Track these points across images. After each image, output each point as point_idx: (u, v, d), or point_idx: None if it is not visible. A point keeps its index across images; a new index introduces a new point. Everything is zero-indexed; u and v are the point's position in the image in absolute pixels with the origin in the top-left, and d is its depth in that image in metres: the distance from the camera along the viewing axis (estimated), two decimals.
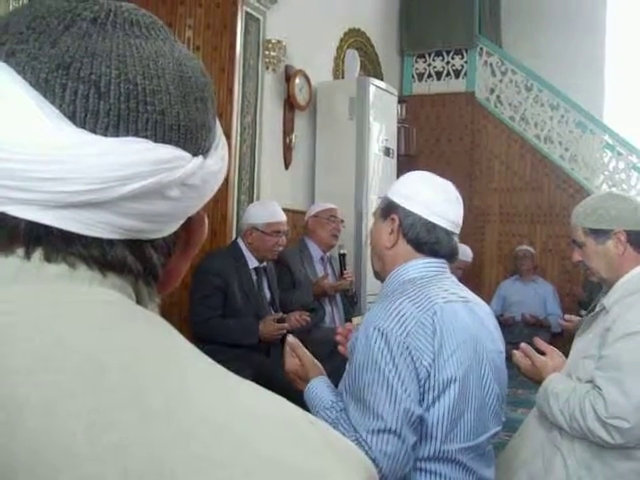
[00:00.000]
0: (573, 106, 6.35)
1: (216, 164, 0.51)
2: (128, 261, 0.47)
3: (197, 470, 0.36)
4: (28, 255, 0.44)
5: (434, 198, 1.59)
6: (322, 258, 4.16)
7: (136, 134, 0.45)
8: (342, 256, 4.17)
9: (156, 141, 0.46)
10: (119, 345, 0.41)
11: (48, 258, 0.44)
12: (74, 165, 0.43)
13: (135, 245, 0.48)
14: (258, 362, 3.15)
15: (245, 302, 3.34)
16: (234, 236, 4.04)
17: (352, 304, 4.26)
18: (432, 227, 1.58)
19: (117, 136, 0.44)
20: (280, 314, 3.36)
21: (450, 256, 1.62)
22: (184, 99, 0.48)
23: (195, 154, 0.48)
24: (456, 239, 1.64)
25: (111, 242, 0.46)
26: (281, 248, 3.52)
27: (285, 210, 4.73)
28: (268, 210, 3.51)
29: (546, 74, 6.58)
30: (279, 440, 0.39)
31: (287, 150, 4.85)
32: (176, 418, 0.38)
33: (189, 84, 0.49)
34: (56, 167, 0.43)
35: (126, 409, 0.37)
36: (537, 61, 6.96)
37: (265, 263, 3.56)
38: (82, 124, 0.44)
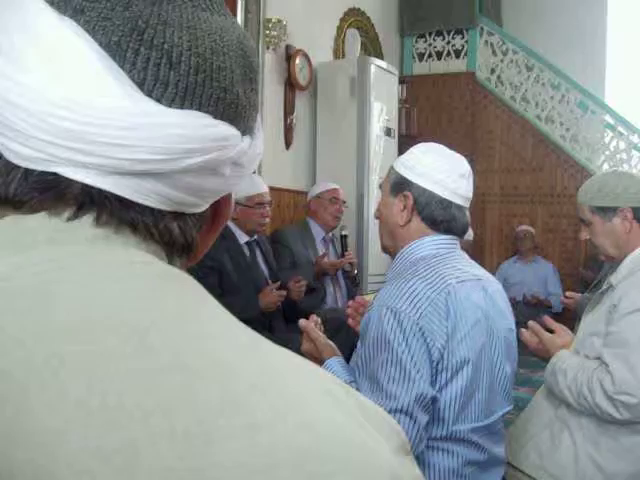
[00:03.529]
0: (574, 86, 6.32)
1: (259, 146, 0.52)
2: (174, 232, 0.47)
3: (244, 432, 0.35)
4: (76, 217, 0.44)
5: (449, 174, 1.55)
6: (324, 238, 4.16)
7: (199, 108, 0.44)
8: (344, 237, 4.18)
9: (215, 117, 0.45)
10: (160, 306, 0.41)
11: (98, 221, 0.44)
12: (141, 133, 0.42)
13: (179, 217, 0.48)
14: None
15: (242, 278, 3.34)
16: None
17: (354, 284, 4.26)
18: (448, 204, 1.56)
19: (181, 108, 0.44)
20: (278, 283, 3.36)
21: (463, 232, 1.61)
22: (243, 78, 0.48)
23: (244, 133, 0.49)
24: (468, 214, 1.62)
25: (160, 212, 0.46)
26: (267, 220, 3.51)
27: (286, 190, 4.75)
28: (248, 182, 3.45)
29: (547, 53, 6.54)
30: (320, 404, 0.39)
31: (288, 130, 4.83)
32: (221, 379, 0.37)
33: (247, 63, 0.49)
34: (123, 133, 0.42)
35: (169, 372, 0.36)
36: (538, 40, 6.92)
37: (256, 237, 3.54)
38: (149, 93, 0.43)
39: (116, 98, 0.42)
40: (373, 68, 5.03)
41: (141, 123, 0.42)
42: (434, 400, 1.40)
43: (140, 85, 0.43)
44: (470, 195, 1.61)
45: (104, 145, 0.42)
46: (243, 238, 3.47)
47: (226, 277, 3.28)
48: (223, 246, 3.31)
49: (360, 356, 1.45)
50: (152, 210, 0.45)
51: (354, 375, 1.50)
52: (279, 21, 4.48)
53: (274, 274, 3.58)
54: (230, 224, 3.43)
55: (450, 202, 1.56)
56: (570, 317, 3.18)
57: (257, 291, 3.32)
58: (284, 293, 3.28)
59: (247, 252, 3.48)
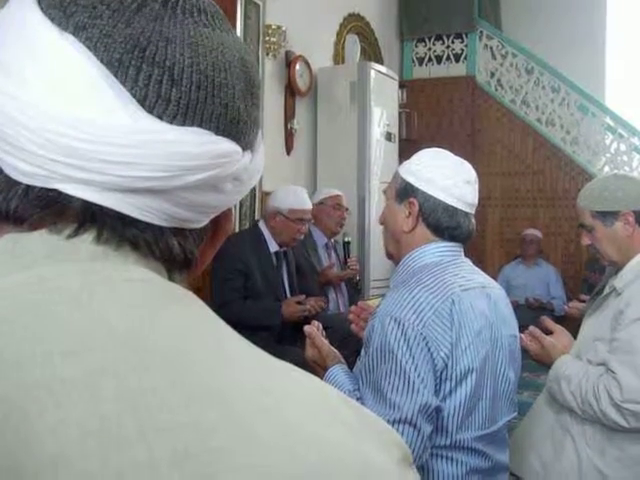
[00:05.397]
0: (574, 88, 6.32)
1: (260, 160, 0.52)
2: (174, 249, 0.47)
3: (246, 451, 0.35)
4: (76, 234, 0.43)
5: (454, 181, 1.53)
6: (326, 245, 4.16)
7: (200, 125, 0.44)
8: (346, 244, 4.19)
9: (217, 134, 0.45)
10: (161, 324, 0.41)
11: (99, 239, 0.44)
12: (143, 151, 0.42)
13: (179, 233, 0.47)
14: (272, 351, 3.15)
15: (265, 286, 3.34)
16: (236, 223, 4.04)
17: (356, 291, 4.26)
18: (453, 211, 1.54)
19: (182, 125, 0.44)
20: (303, 296, 3.35)
21: (467, 239, 1.59)
22: (244, 94, 0.48)
23: (245, 149, 0.48)
24: (473, 220, 1.60)
25: (161, 229, 0.46)
26: (302, 237, 3.51)
27: None
28: (294, 196, 3.47)
29: (547, 56, 6.54)
30: (321, 421, 0.39)
31: (288, 136, 4.83)
32: (223, 399, 0.37)
33: (249, 79, 0.49)
34: (124, 151, 0.42)
35: (172, 390, 0.36)
36: (537, 43, 6.92)
37: (285, 248, 3.54)
38: (150, 110, 0.43)
39: (117, 115, 0.42)
40: (373, 73, 5.03)
41: (142, 140, 0.42)
42: (438, 409, 1.39)
43: (141, 102, 0.43)
44: (475, 201, 1.59)
45: (105, 162, 0.42)
46: (273, 247, 3.46)
47: (251, 283, 3.29)
48: (254, 252, 3.33)
49: (364, 365, 1.44)
50: (152, 227, 0.45)
51: (357, 383, 1.49)
52: (279, 27, 4.49)
53: (294, 288, 3.58)
54: (264, 231, 3.44)
55: (455, 209, 1.54)
56: (573, 322, 3.17)
57: (278, 301, 3.33)
58: (307, 307, 3.27)
59: (274, 261, 3.48)
